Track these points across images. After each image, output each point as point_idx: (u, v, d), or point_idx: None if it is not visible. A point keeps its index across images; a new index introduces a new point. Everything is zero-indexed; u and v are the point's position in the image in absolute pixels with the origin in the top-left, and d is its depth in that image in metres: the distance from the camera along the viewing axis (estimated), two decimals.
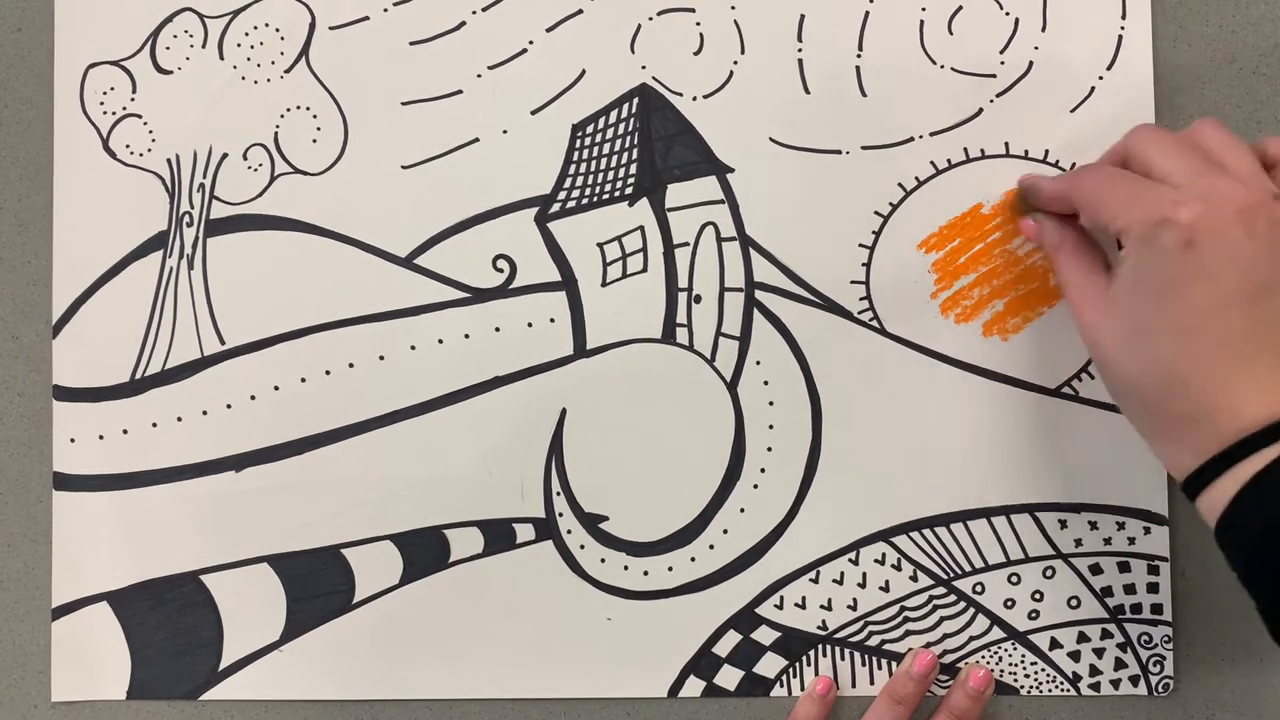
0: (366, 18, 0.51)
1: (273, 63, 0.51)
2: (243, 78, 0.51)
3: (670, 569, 0.51)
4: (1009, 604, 0.51)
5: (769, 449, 0.51)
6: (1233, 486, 0.37)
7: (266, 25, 0.51)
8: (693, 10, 0.51)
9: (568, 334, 0.51)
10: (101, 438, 0.52)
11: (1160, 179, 0.40)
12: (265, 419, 0.51)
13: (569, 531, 0.51)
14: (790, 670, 0.51)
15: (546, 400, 0.51)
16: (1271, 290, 0.38)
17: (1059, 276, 0.44)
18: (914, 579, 0.51)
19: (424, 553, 0.51)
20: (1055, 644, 0.51)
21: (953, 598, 0.51)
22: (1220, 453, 0.38)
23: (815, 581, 0.51)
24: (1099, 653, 0.51)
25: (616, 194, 0.51)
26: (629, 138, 0.51)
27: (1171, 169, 0.40)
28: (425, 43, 0.51)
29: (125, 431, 0.51)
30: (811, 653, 0.51)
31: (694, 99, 0.51)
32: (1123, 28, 0.50)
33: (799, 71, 0.50)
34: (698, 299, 0.51)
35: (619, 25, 0.51)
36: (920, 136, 0.50)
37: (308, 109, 0.51)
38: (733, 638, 0.51)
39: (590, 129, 0.51)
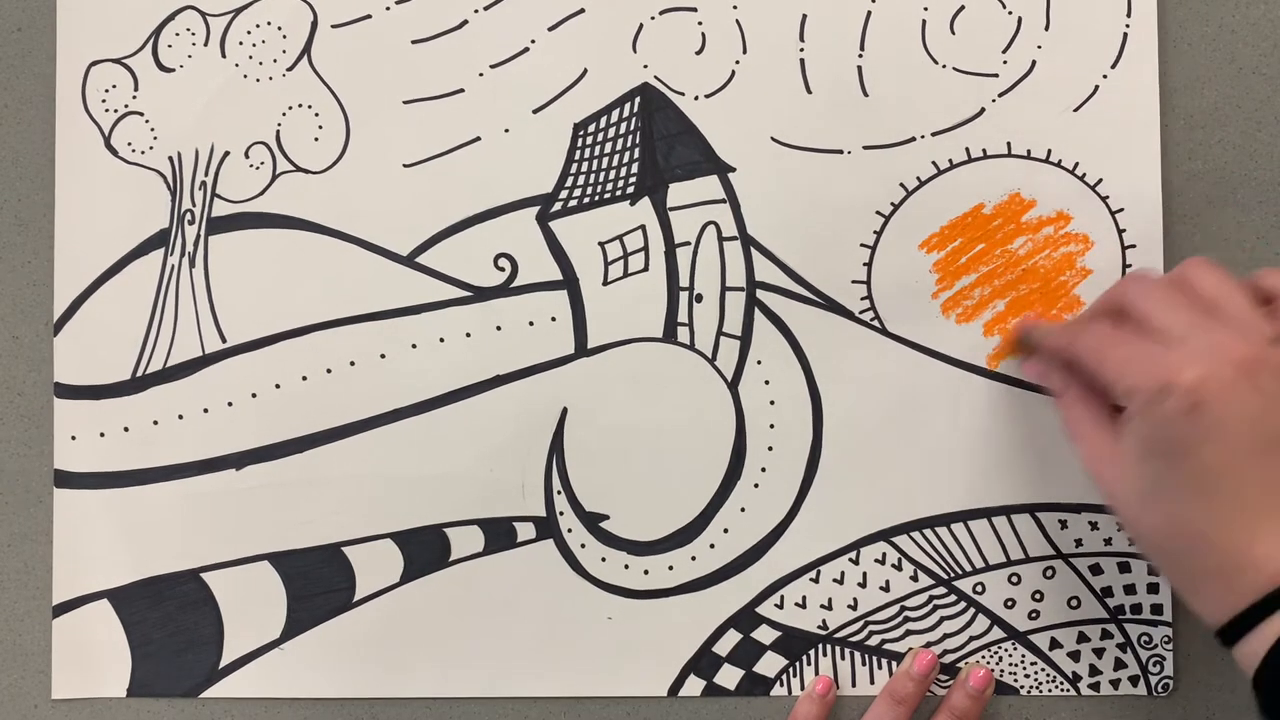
0: (368, 16, 0.51)
1: (275, 61, 0.51)
2: (244, 76, 0.51)
3: (671, 568, 0.51)
4: (1009, 604, 0.51)
5: (770, 448, 0.51)
6: (1268, 639, 0.37)
7: (268, 23, 0.51)
8: (695, 10, 0.51)
9: (569, 333, 0.51)
10: (102, 435, 0.52)
11: (1159, 334, 0.40)
12: (266, 417, 0.51)
13: (569, 530, 0.51)
14: (790, 670, 0.51)
15: (547, 399, 0.51)
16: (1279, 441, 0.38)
17: (1065, 423, 0.44)
18: (914, 579, 0.51)
19: (424, 551, 0.51)
20: (1055, 644, 0.51)
21: (953, 597, 0.51)
22: (1249, 608, 0.38)
23: (815, 581, 0.51)
24: (1099, 653, 0.51)
25: (618, 193, 0.51)
26: (630, 137, 0.51)
27: (1169, 322, 0.39)
28: (427, 41, 0.51)
29: (126, 429, 0.51)
30: (812, 652, 0.51)
31: (696, 98, 0.51)
32: (1127, 26, 0.50)
33: (801, 71, 0.50)
34: (699, 298, 0.51)
35: (621, 24, 0.51)
36: (922, 136, 0.50)
37: (309, 107, 0.51)
38: (733, 637, 0.51)
39: (592, 128, 0.51)
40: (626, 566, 0.51)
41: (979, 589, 0.51)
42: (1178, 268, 0.42)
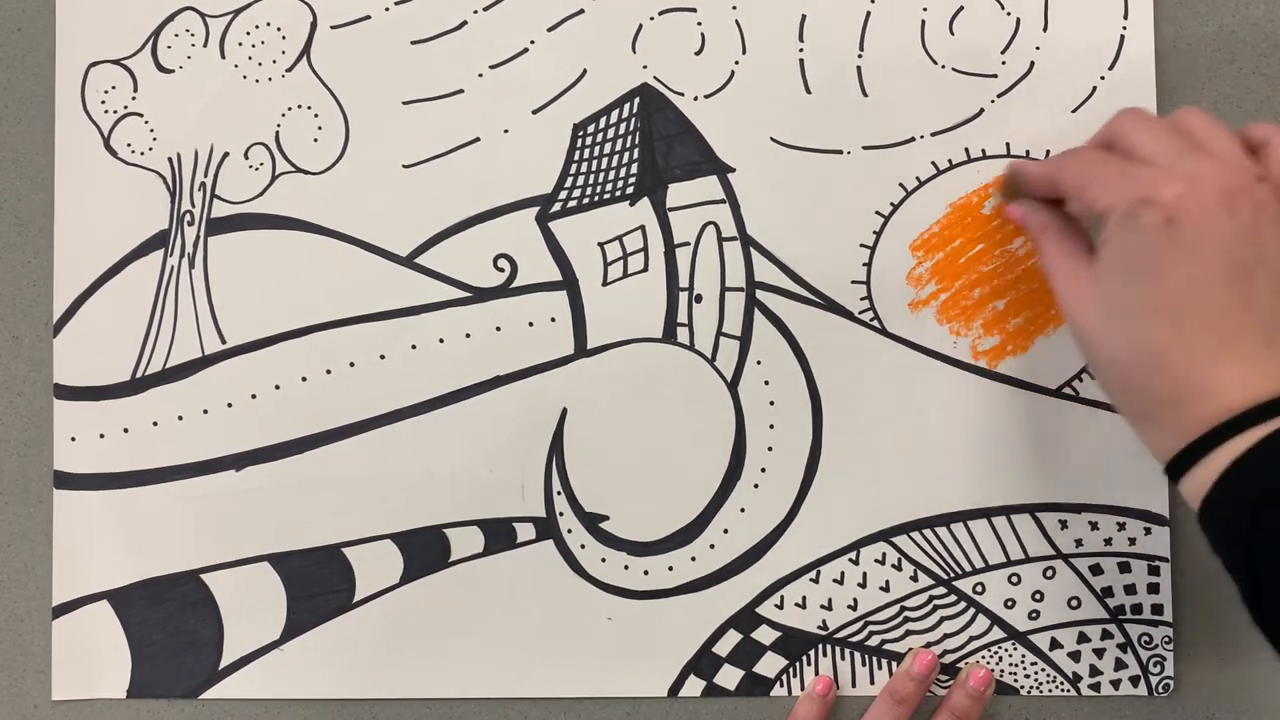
0: (368, 17, 0.51)
1: (274, 62, 0.51)
2: (244, 77, 0.51)
3: (671, 568, 0.51)
4: (1009, 604, 0.51)
5: (769, 449, 0.51)
6: (1215, 470, 0.37)
7: (268, 24, 0.51)
8: (694, 10, 0.51)
9: (568, 333, 0.51)
10: (102, 436, 0.52)
11: (1144, 160, 0.40)
12: (266, 418, 0.51)
13: (569, 531, 0.51)
14: (790, 670, 0.51)
15: (547, 400, 0.51)
16: (1252, 271, 0.38)
17: (1043, 261, 0.44)
18: (914, 579, 0.51)
19: (424, 552, 0.51)
20: (1055, 644, 0.51)
21: (953, 598, 0.51)
22: (1202, 435, 0.38)
23: (815, 581, 0.51)
24: (1099, 653, 0.51)
25: (617, 193, 0.51)
26: (630, 137, 0.51)
27: (1155, 150, 0.40)
28: (426, 42, 0.51)
29: (126, 430, 0.51)
30: (812, 652, 0.51)
31: (695, 99, 0.51)
32: (1124, 27, 0.50)
33: (800, 71, 0.50)
34: (698, 299, 0.51)
35: (620, 25, 0.51)
36: (921, 136, 0.50)
37: (309, 108, 0.51)
38: (733, 637, 0.51)
39: (591, 128, 0.51)
40: (626, 567, 0.51)
41: (979, 589, 0.51)
42: (1173, 114, 0.42)
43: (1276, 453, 0.36)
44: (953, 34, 0.50)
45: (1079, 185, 0.41)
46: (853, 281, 0.50)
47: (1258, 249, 0.38)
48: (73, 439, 0.52)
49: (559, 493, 0.51)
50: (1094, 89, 0.50)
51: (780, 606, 0.51)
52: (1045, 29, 0.50)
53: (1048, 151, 0.50)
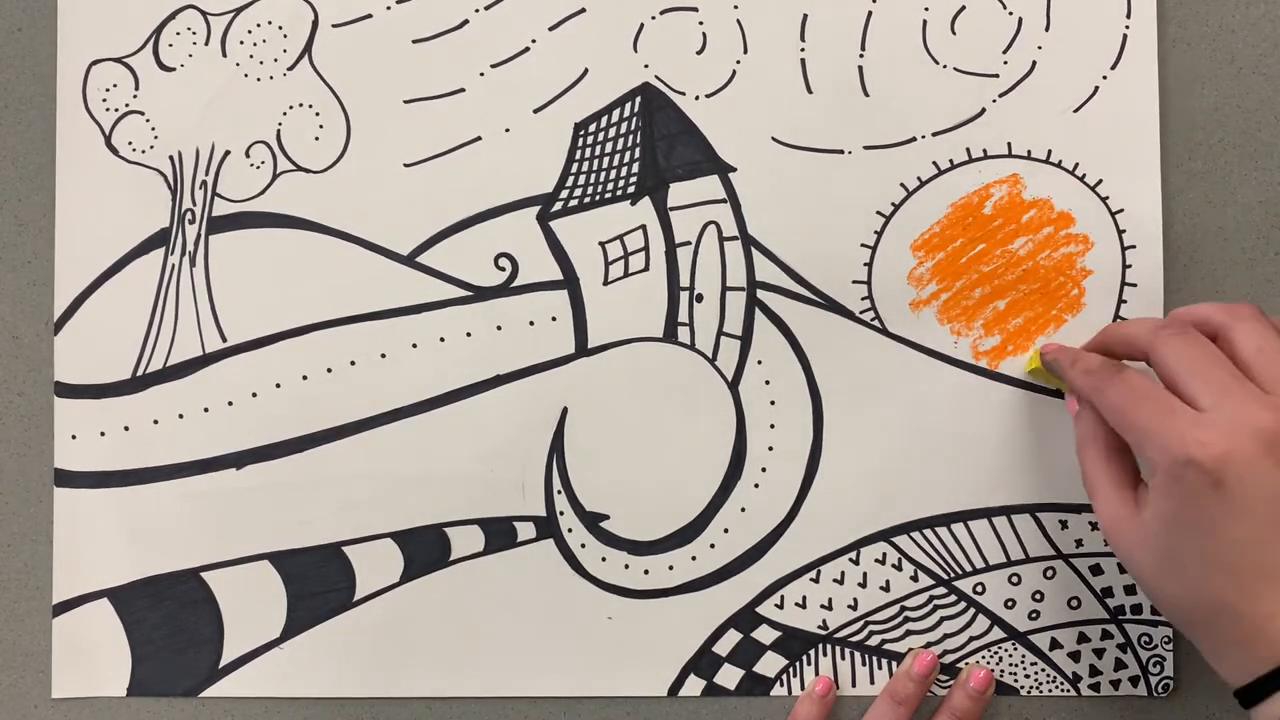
0: (369, 15, 0.51)
1: (275, 60, 0.51)
2: (245, 75, 0.51)
3: (671, 568, 0.51)
4: (1009, 604, 0.51)
5: (770, 448, 0.51)
6: None
7: (269, 23, 0.51)
8: (695, 9, 0.51)
9: (569, 332, 0.51)
10: (103, 435, 0.52)
11: (1186, 397, 0.39)
12: (267, 416, 0.51)
13: (570, 530, 0.51)
14: (790, 670, 0.51)
15: (548, 399, 0.51)
16: None
17: (1085, 475, 0.43)
18: (914, 579, 0.51)
19: (425, 551, 0.51)
20: (1055, 644, 0.51)
21: (953, 598, 0.51)
22: (1271, 672, 0.38)
23: (816, 581, 0.51)
24: (1099, 653, 0.51)
25: (618, 193, 0.51)
26: (631, 137, 0.51)
27: (1196, 389, 0.39)
28: (428, 41, 0.51)
29: (126, 428, 0.51)
30: (812, 652, 0.51)
31: (696, 98, 0.51)
32: (1127, 27, 0.50)
33: (801, 71, 0.50)
34: (699, 298, 0.51)
35: (621, 24, 0.51)
36: (923, 136, 0.50)
37: (310, 107, 0.51)
38: (733, 637, 0.51)
39: (592, 128, 0.51)
40: (627, 566, 0.51)
41: (979, 589, 0.51)
42: (1225, 313, 0.41)
43: None
44: (954, 33, 0.50)
45: (1120, 422, 0.41)
46: (853, 281, 0.50)
47: None
48: (73, 437, 0.52)
49: (559, 492, 0.51)
50: (1096, 88, 0.50)
51: (780, 606, 0.51)
52: (1047, 28, 0.50)
53: (1049, 152, 0.50)
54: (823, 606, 0.51)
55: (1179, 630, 0.42)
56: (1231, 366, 0.39)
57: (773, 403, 0.51)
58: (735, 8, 0.50)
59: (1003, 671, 0.51)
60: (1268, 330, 0.40)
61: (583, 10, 0.51)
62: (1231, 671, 0.39)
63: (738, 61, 0.51)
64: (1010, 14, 0.50)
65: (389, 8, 0.51)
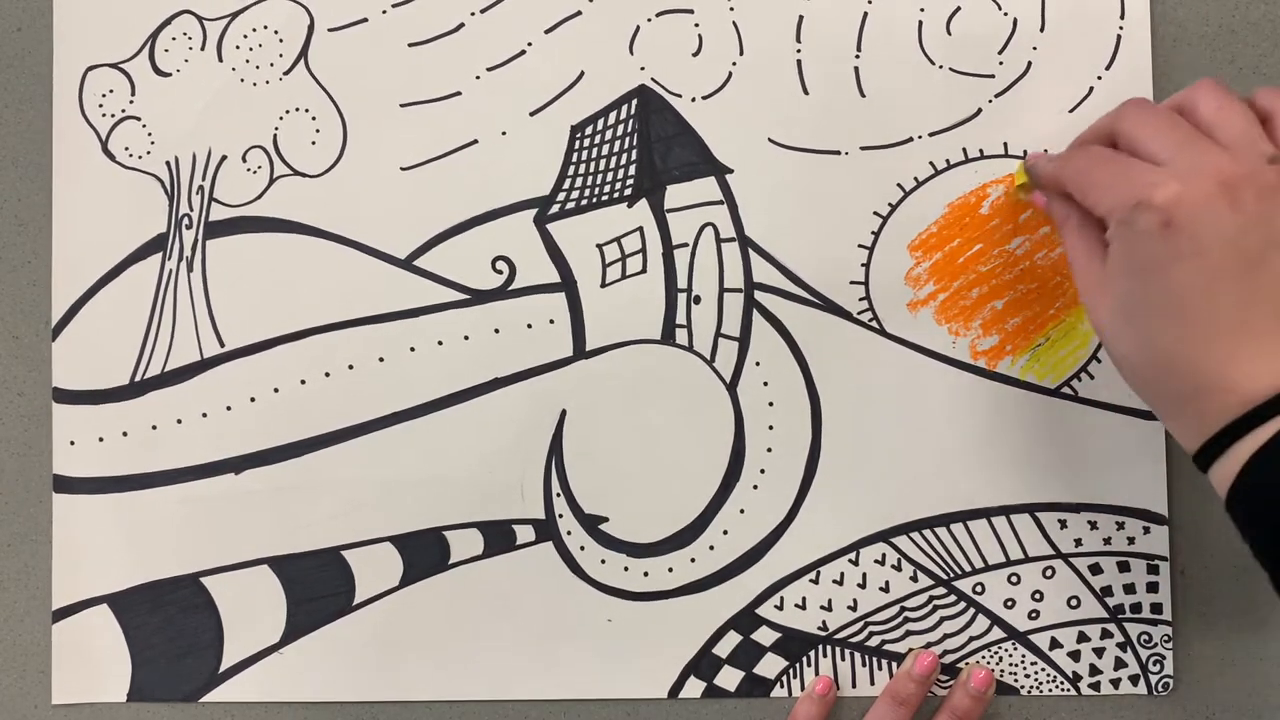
0: (365, 19, 0.51)
1: (271, 65, 0.51)
2: (241, 80, 0.51)
3: (670, 570, 0.51)
4: (1009, 604, 0.51)
5: (769, 450, 0.51)
6: (1238, 461, 0.37)
7: (265, 27, 0.51)
8: (691, 11, 0.51)
9: (567, 335, 0.51)
10: (101, 440, 0.52)
11: (1147, 157, 0.39)
12: (265, 421, 0.51)
13: (569, 532, 0.51)
14: (790, 671, 0.51)
15: (546, 401, 0.51)
16: (1262, 259, 0.37)
17: (1066, 250, 0.43)
18: (914, 579, 0.51)
19: (424, 554, 0.51)
20: (1055, 644, 0.51)
21: (953, 598, 0.51)
22: (1222, 429, 0.37)
23: (815, 582, 0.51)
24: (1099, 652, 0.51)
25: (616, 195, 0.51)
26: (628, 139, 0.51)
27: (1157, 147, 0.39)
28: (424, 44, 0.51)
29: (125, 434, 0.51)
30: (812, 653, 0.51)
31: (693, 100, 0.51)
32: (1121, 27, 0.50)
33: (798, 72, 0.50)
34: (697, 300, 0.51)
35: (618, 26, 0.51)
36: (919, 137, 0.50)
37: (307, 111, 0.51)
38: (733, 638, 0.51)
39: (589, 130, 0.51)
40: (626, 568, 0.51)
41: (979, 589, 0.51)
42: (1185, 90, 0.41)
43: None
44: (950, 34, 0.50)
45: (1082, 187, 0.41)
46: (851, 282, 0.50)
47: (1267, 234, 0.37)
48: (72, 442, 0.52)
49: (558, 494, 0.51)
50: (1091, 89, 0.50)
51: (780, 607, 0.51)
52: (1042, 29, 0.50)
53: (1045, 152, 0.50)
54: (822, 607, 0.51)
55: (1137, 393, 0.41)
56: (1191, 126, 0.39)
57: (771, 404, 0.51)
58: (731, 9, 0.50)
59: (1003, 671, 0.51)
60: (1226, 93, 0.40)
61: (579, 13, 0.51)
62: (1187, 433, 0.39)
63: (734, 63, 0.51)
64: (1005, 15, 0.50)
65: (385, 11, 0.51)
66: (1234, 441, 0.37)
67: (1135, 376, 0.40)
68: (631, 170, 0.51)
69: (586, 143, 0.51)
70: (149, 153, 0.52)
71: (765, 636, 0.51)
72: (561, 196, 0.51)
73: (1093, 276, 0.41)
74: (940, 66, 0.50)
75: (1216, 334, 0.37)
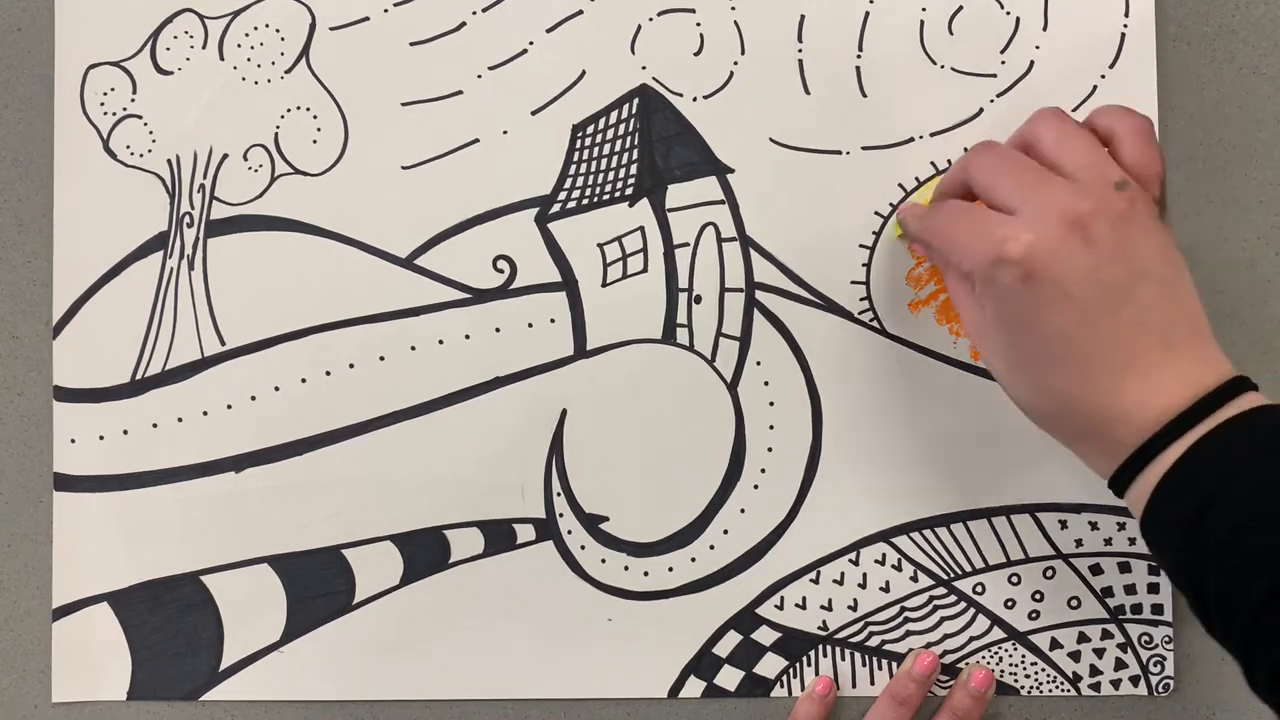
0: (367, 18, 0.51)
1: (273, 63, 0.51)
2: (243, 78, 0.51)
3: (670, 569, 0.51)
4: (1009, 604, 0.51)
5: (769, 449, 0.51)
6: (1148, 486, 0.37)
7: (267, 26, 0.51)
8: (693, 11, 0.51)
9: (568, 334, 0.51)
10: (102, 438, 0.52)
11: (999, 206, 0.39)
12: (265, 419, 0.51)
13: (569, 532, 0.51)
14: (790, 671, 0.51)
15: (547, 401, 0.51)
16: (1129, 288, 0.37)
17: (952, 298, 0.44)
18: (914, 579, 0.51)
19: (424, 553, 0.51)
20: (1055, 644, 0.51)
21: (953, 598, 0.51)
22: (1125, 462, 0.38)
23: (815, 582, 0.51)
24: (1099, 653, 0.51)
25: (617, 194, 0.51)
26: (629, 138, 0.51)
27: (1006, 194, 0.39)
28: (425, 43, 0.51)
29: (125, 432, 0.51)
30: (812, 653, 0.51)
31: (694, 99, 0.51)
32: (1125, 26, 0.50)
33: (799, 72, 0.50)
34: (698, 299, 0.51)
35: (619, 26, 0.51)
36: (920, 137, 0.50)
37: (308, 110, 0.51)
38: (733, 638, 0.51)
39: (590, 129, 0.51)
40: (626, 568, 0.51)
41: (979, 589, 0.51)
42: (1025, 123, 0.41)
43: (1200, 466, 0.36)
44: (952, 34, 0.50)
45: (943, 250, 0.42)
46: (852, 282, 0.50)
47: (1128, 262, 0.37)
48: (72, 441, 0.52)
49: (559, 494, 0.51)
50: (1094, 88, 0.50)
51: (780, 607, 0.51)
52: (1045, 28, 0.50)
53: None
54: (823, 607, 0.51)
55: (1045, 432, 0.42)
56: (1036, 165, 0.40)
57: (772, 404, 0.51)
58: (732, 9, 0.50)
59: (1003, 671, 0.51)
60: (1065, 121, 0.40)
61: (580, 12, 0.51)
62: (1098, 464, 0.40)
63: (735, 63, 0.50)
64: (1008, 14, 0.50)
65: (386, 10, 0.51)
66: (1140, 470, 0.38)
67: (1036, 418, 0.41)
68: (633, 170, 0.51)
69: (588, 142, 0.51)
70: (150, 151, 0.52)
71: (765, 636, 0.51)
72: (562, 196, 0.51)
73: (977, 328, 0.41)
74: (942, 66, 0.50)
75: (1100, 370, 0.38)
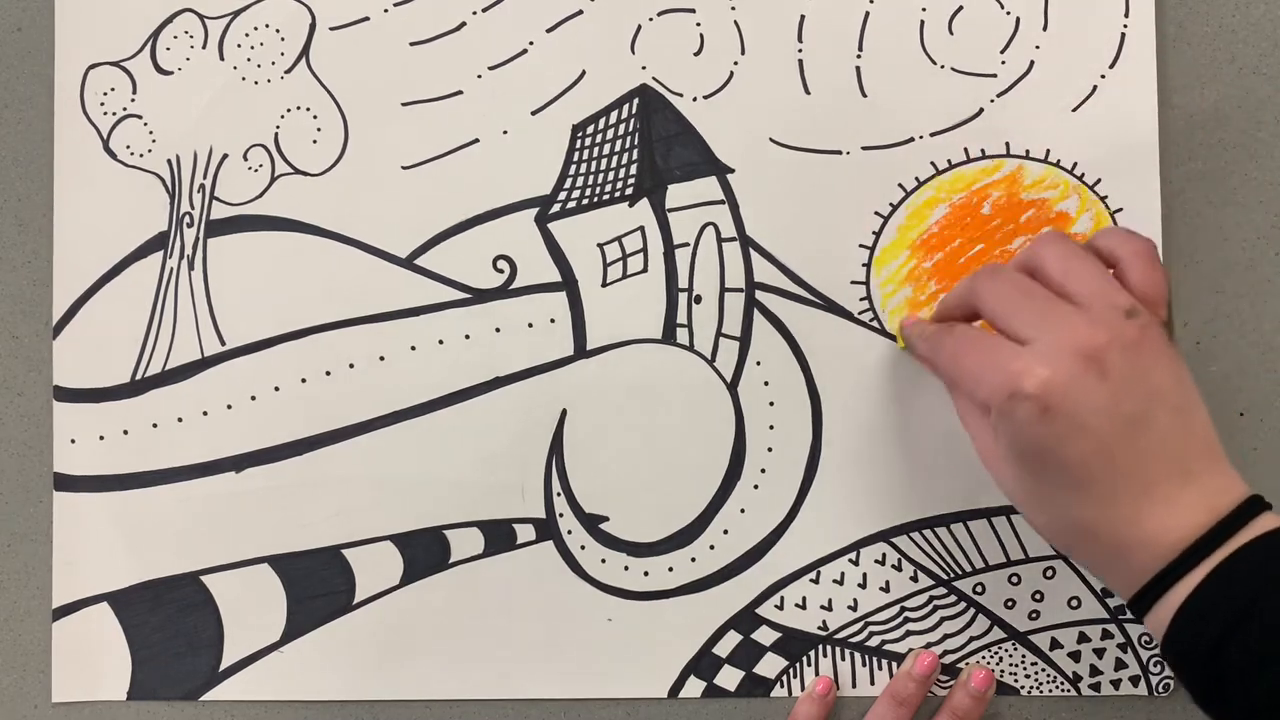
0: (367, 18, 0.51)
1: (273, 63, 0.51)
2: (243, 78, 0.51)
3: (671, 569, 0.51)
4: (1009, 604, 0.51)
5: (769, 449, 0.51)
6: (1169, 610, 0.37)
7: (267, 26, 0.51)
8: (693, 11, 0.51)
9: (568, 334, 0.51)
10: (102, 438, 0.52)
11: (1010, 334, 0.39)
12: (265, 419, 0.51)
13: (569, 532, 0.51)
14: (790, 671, 0.51)
15: (547, 401, 0.51)
16: (1146, 416, 0.37)
17: (959, 412, 0.44)
18: (914, 579, 0.51)
19: (424, 553, 0.51)
20: (1055, 644, 0.51)
21: (953, 598, 0.51)
22: (1149, 582, 0.38)
23: (816, 582, 0.51)
24: (1099, 653, 0.51)
25: (617, 194, 0.51)
26: (629, 138, 0.51)
27: (1017, 324, 0.39)
28: (425, 43, 0.51)
29: (125, 432, 0.51)
30: (812, 653, 0.51)
31: (694, 99, 0.51)
32: (1125, 26, 0.50)
33: (799, 72, 0.50)
34: (698, 299, 0.51)
35: (619, 26, 0.51)
36: (920, 137, 0.50)
37: (308, 109, 0.51)
38: (733, 638, 0.51)
39: (590, 129, 0.51)
40: (626, 568, 0.51)
41: (979, 589, 0.51)
42: (1030, 245, 0.41)
43: (1220, 592, 0.36)
44: (952, 33, 0.50)
45: (953, 377, 0.42)
46: (852, 282, 0.50)
47: (1144, 392, 0.38)
48: (72, 441, 0.52)
49: (559, 494, 0.51)
50: (1094, 88, 0.50)
51: (780, 607, 0.51)
52: (1045, 28, 0.50)
53: (1047, 151, 0.50)
54: (823, 607, 0.51)
55: (1062, 555, 0.42)
56: (1046, 292, 0.40)
57: (772, 404, 0.51)
58: (732, 9, 0.50)
59: (1003, 671, 0.51)
60: (1070, 247, 0.40)
61: (580, 12, 0.51)
62: (1117, 585, 0.40)
63: (735, 63, 0.50)
64: (1008, 14, 0.50)
65: (386, 10, 0.51)
66: (1160, 595, 0.38)
67: (1055, 542, 0.41)
68: (633, 169, 0.51)
69: (588, 142, 0.51)
70: (150, 151, 0.52)
71: (765, 636, 0.51)
72: (562, 196, 0.51)
73: (990, 451, 0.41)
74: (942, 66, 0.50)
75: (1120, 498, 0.38)
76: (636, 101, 0.51)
